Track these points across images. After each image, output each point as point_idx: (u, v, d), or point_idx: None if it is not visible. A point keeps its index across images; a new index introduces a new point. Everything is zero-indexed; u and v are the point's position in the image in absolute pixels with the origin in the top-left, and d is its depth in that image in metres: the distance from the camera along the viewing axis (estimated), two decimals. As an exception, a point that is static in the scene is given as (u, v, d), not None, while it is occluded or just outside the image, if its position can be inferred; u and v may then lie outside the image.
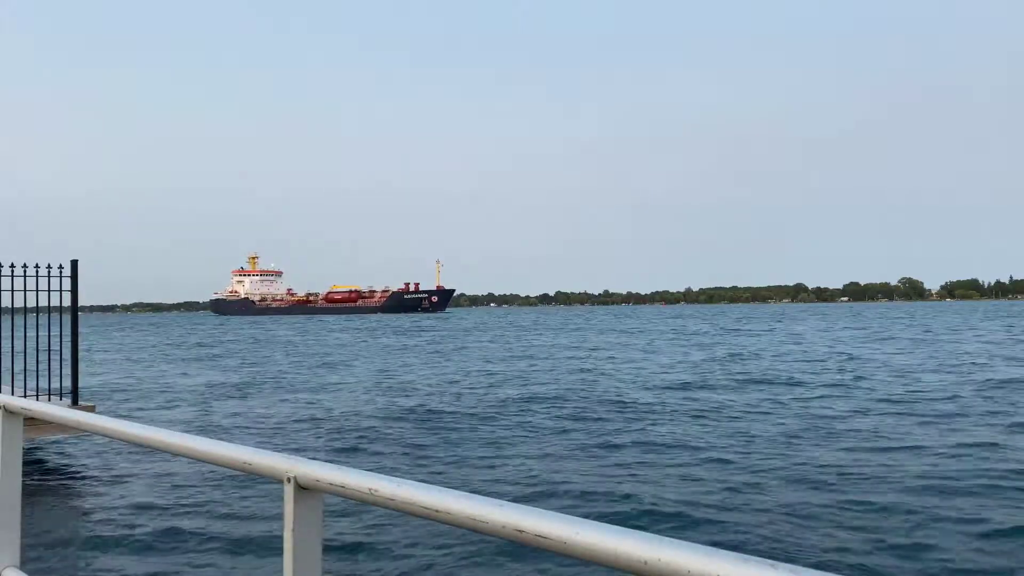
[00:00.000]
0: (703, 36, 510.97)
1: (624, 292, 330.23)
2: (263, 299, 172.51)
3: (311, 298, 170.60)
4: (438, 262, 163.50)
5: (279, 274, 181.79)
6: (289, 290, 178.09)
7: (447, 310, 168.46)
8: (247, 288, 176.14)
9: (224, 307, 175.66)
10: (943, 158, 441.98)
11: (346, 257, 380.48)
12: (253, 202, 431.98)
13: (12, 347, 9.70)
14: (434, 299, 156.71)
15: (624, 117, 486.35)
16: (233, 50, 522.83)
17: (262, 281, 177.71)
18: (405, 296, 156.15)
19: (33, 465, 10.70)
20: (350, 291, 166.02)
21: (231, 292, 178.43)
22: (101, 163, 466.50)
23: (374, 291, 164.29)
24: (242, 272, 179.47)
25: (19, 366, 9.69)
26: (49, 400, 9.46)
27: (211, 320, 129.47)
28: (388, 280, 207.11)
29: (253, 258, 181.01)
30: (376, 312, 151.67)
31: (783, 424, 13.41)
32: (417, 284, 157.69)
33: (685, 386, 19.60)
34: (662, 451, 11.25)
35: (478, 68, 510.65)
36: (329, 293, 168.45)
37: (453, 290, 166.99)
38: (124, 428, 2.24)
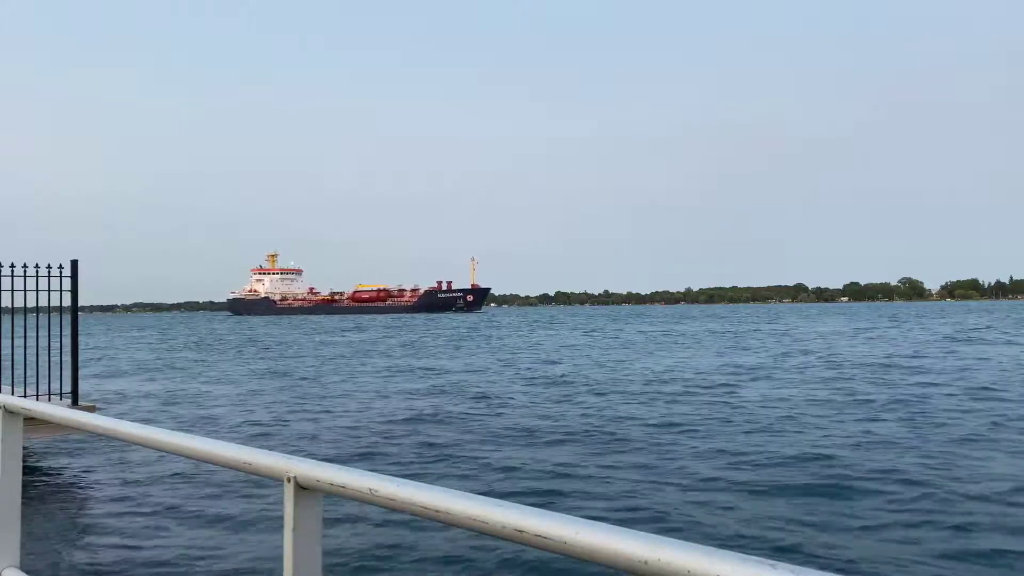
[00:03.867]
0: (702, 36, 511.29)
1: (624, 292, 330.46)
2: (284, 298, 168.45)
3: (336, 297, 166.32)
4: (473, 259, 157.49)
5: (299, 272, 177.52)
6: (311, 289, 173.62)
7: (482, 309, 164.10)
8: (267, 287, 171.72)
9: (243, 306, 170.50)
10: (943, 158, 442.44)
11: (347, 257, 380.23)
12: (251, 202, 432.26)
13: (12, 347, 9.71)
14: (470, 298, 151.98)
15: (624, 117, 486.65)
16: (232, 51, 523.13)
17: (282, 279, 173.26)
18: (439, 295, 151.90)
19: (33, 465, 10.70)
20: (378, 290, 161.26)
21: (250, 291, 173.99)
22: (101, 163, 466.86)
23: (403, 290, 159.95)
24: (261, 270, 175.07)
25: (19, 366, 9.69)
26: (49, 400, 9.46)
27: (252, 320, 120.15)
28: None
29: (272, 256, 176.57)
30: (409, 312, 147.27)
31: None
32: (450, 282, 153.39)
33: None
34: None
35: (477, 68, 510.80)
36: (356, 292, 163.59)
37: (488, 288, 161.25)
38: (124, 428, 2.24)
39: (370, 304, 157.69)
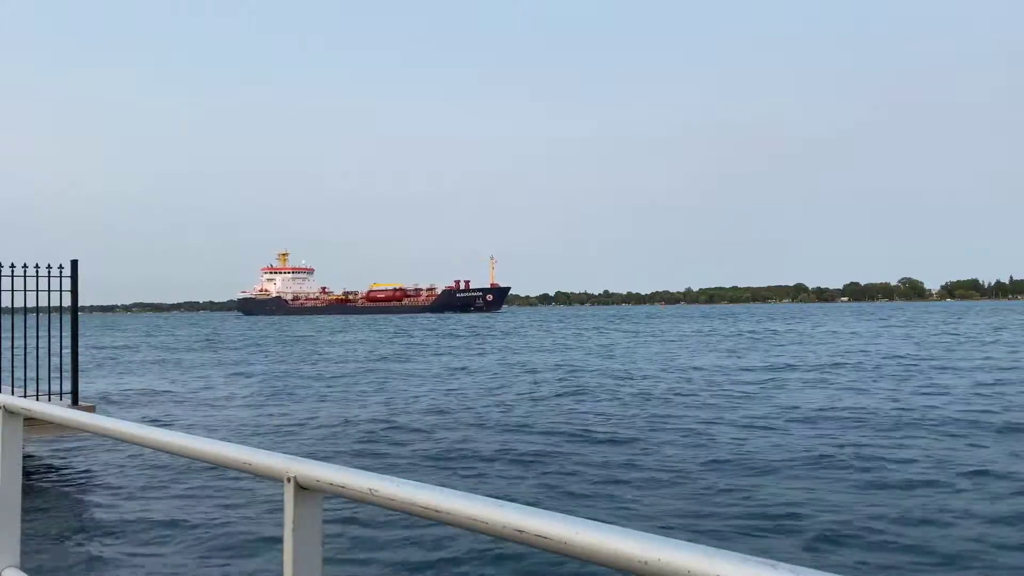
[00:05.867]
0: (702, 36, 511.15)
1: (624, 292, 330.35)
2: (296, 298, 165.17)
3: (350, 296, 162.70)
4: (492, 258, 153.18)
5: (311, 271, 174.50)
6: (324, 288, 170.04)
7: (503, 309, 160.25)
8: (278, 286, 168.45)
9: (254, 306, 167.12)
10: (943, 158, 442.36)
11: (347, 257, 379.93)
12: (251, 202, 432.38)
13: (12, 347, 9.70)
14: (489, 297, 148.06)
15: (624, 117, 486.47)
16: (232, 51, 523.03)
17: (294, 279, 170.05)
18: (457, 294, 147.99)
19: (33, 465, 10.70)
20: (394, 289, 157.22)
21: (261, 290, 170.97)
22: (101, 163, 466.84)
23: (420, 289, 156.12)
24: (272, 269, 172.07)
25: (19, 366, 9.69)
26: (49, 400, 9.46)
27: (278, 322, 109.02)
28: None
29: (283, 255, 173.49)
30: (426, 312, 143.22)
31: None
32: (468, 282, 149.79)
33: None
34: None
35: (477, 68, 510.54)
36: (370, 292, 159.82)
37: (508, 288, 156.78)
38: (124, 428, 2.24)
39: (386, 304, 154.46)
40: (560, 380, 22.15)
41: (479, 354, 34.39)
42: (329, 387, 21.37)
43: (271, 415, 16.04)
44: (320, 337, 54.49)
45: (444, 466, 10.73)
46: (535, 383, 21.43)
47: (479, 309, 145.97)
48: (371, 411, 16.21)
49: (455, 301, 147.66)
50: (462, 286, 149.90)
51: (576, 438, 12.59)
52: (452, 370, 26.30)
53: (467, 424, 14.30)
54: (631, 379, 22.17)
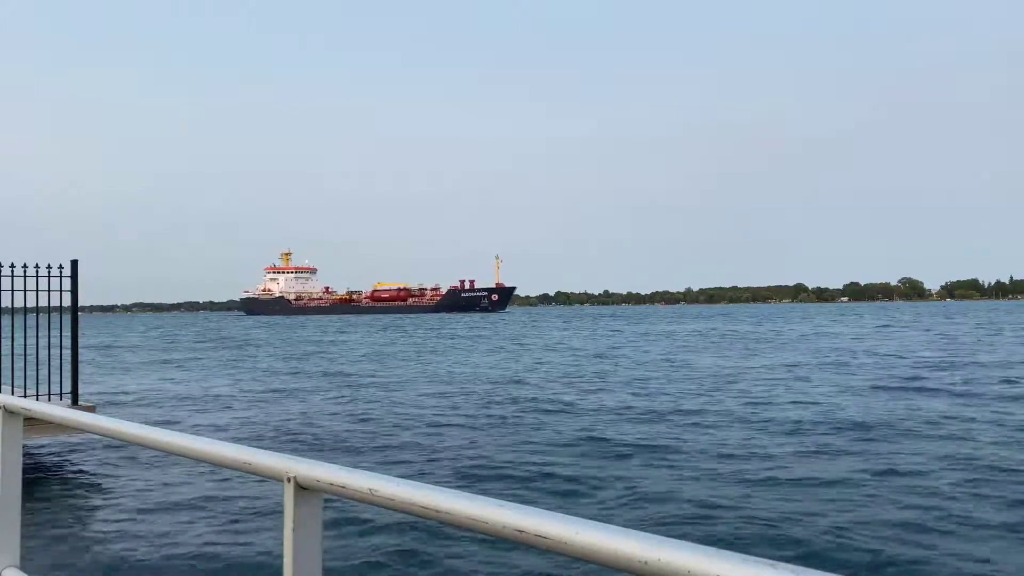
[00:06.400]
0: (702, 36, 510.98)
1: (624, 292, 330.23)
2: (299, 297, 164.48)
3: (354, 296, 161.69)
4: (497, 258, 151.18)
5: (313, 271, 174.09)
6: (327, 288, 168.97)
7: (508, 309, 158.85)
8: (281, 286, 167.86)
9: (257, 306, 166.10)
10: (943, 158, 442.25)
11: (347, 257, 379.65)
12: (251, 202, 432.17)
13: (12, 347, 9.70)
14: (495, 297, 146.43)
15: (624, 117, 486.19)
16: (232, 51, 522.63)
17: (296, 278, 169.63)
18: (462, 294, 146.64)
19: (33, 465, 10.70)
20: (399, 289, 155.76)
21: (264, 290, 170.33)
22: (101, 163, 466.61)
23: (424, 289, 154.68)
24: (275, 269, 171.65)
25: (19, 366, 9.68)
26: (49, 400, 9.46)
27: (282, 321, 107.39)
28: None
29: (286, 254, 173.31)
30: (431, 312, 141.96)
31: None
32: (473, 281, 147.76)
33: None
34: None
35: (477, 68, 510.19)
36: (374, 291, 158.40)
37: (514, 288, 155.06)
38: (124, 428, 2.23)
39: (390, 304, 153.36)
40: (561, 380, 22.15)
41: (482, 354, 34.40)
42: (331, 387, 21.38)
43: (273, 415, 16.05)
44: (324, 337, 54.47)
45: (445, 467, 10.73)
46: (537, 384, 21.42)
47: (484, 309, 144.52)
48: (373, 411, 16.22)
49: (460, 301, 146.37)
50: (467, 286, 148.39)
51: (577, 438, 12.59)
52: (453, 371, 26.30)
53: (469, 425, 14.31)
54: (631, 379, 22.18)
